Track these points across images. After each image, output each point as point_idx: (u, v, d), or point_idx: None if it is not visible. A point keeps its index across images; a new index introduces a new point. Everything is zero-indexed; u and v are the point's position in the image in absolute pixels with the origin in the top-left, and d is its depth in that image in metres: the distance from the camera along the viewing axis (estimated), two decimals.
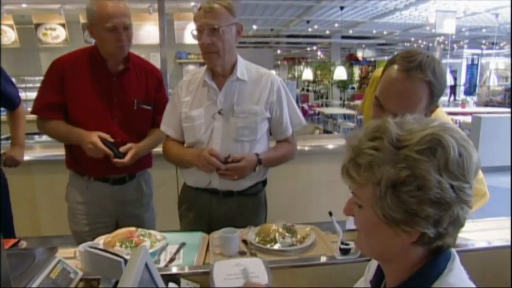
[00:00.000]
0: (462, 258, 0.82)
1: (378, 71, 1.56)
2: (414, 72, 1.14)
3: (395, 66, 1.18)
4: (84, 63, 1.84)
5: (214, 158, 1.62)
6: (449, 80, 12.22)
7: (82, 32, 5.76)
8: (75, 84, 1.81)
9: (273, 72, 1.89)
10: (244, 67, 1.76)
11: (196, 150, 1.71)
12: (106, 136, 1.77)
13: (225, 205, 1.77)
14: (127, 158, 1.78)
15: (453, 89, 16.14)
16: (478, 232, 1.55)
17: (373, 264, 1.02)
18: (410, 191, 0.70)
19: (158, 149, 1.98)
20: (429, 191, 0.69)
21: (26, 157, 2.44)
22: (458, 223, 0.74)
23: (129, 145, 1.82)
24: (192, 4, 5.75)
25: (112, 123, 1.85)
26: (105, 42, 1.77)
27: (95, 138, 1.73)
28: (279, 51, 21.08)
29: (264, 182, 1.89)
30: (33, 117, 1.90)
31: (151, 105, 1.94)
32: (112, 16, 1.70)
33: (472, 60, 17.05)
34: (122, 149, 1.79)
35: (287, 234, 1.50)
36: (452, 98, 15.64)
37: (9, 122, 2.36)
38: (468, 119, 6.58)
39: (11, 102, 2.30)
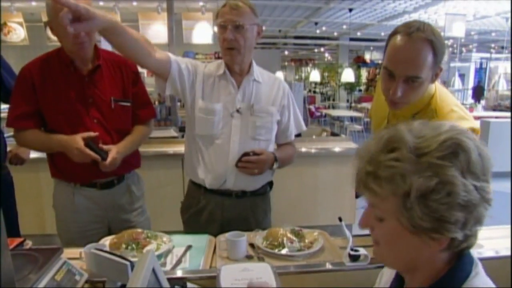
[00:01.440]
0: None
1: None
2: (416, 33, 1.24)
3: (398, 36, 1.28)
4: (52, 67, 1.74)
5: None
6: (458, 84, 11.92)
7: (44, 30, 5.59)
8: (47, 90, 1.71)
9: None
10: (258, 70, 1.80)
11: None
12: (89, 134, 1.68)
13: (238, 206, 1.78)
14: (108, 160, 1.68)
15: (477, 91, 13.75)
16: (485, 240, 1.50)
17: (386, 271, 1.00)
18: (440, 198, 0.69)
19: (162, 149, 1.95)
20: (458, 196, 0.69)
21: (32, 155, 2.43)
22: (480, 222, 0.74)
23: (109, 146, 1.74)
24: (201, 4, 5.76)
25: (91, 125, 1.75)
26: (63, 39, 1.66)
27: (80, 144, 1.64)
28: (286, 52, 21.04)
29: (271, 183, 1.91)
30: None
31: (129, 101, 1.84)
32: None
33: (481, 64, 16.84)
34: (105, 148, 1.71)
35: (295, 238, 1.47)
36: (477, 101, 12.95)
37: None
38: (477, 123, 6.51)
39: None
